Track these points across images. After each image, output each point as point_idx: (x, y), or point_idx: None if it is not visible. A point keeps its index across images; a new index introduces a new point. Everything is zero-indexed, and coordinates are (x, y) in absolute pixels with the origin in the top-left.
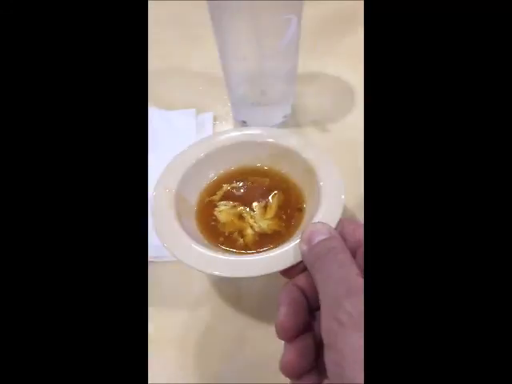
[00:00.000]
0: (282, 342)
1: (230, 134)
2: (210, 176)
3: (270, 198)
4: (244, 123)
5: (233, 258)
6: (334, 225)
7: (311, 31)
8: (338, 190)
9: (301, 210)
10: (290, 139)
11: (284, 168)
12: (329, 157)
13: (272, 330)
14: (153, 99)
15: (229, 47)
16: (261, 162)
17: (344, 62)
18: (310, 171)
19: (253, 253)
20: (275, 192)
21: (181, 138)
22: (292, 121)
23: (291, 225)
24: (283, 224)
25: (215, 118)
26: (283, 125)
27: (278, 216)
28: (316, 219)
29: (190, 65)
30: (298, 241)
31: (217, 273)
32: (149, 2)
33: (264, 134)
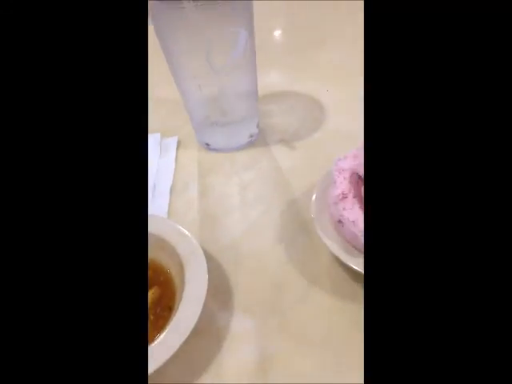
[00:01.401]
0: None
1: None
2: None
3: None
4: (208, 145)
5: None
6: (186, 334)
7: (281, 48)
8: (199, 294)
9: (171, 308)
10: (167, 230)
11: (164, 259)
12: (202, 255)
13: None
14: None
15: (178, 66)
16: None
17: (311, 76)
18: (181, 267)
19: None
20: (152, 288)
21: None
22: (259, 140)
23: (158, 326)
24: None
25: (180, 142)
26: (250, 144)
27: None
28: (173, 322)
29: (155, 89)
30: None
31: None
32: None
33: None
